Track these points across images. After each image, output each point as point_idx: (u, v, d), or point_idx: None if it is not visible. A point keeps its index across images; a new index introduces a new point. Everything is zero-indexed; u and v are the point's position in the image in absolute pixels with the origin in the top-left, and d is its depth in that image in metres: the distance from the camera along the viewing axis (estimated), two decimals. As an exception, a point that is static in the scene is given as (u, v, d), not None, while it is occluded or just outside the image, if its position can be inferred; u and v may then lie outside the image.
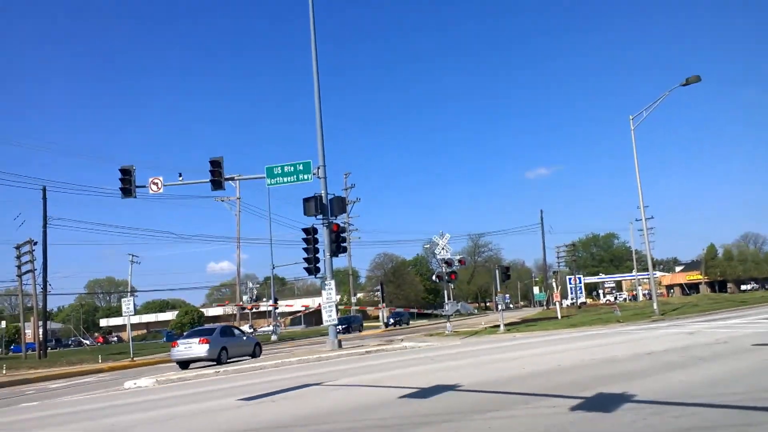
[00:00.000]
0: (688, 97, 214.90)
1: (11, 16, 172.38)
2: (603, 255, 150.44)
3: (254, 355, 26.97)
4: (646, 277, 71.00)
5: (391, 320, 62.03)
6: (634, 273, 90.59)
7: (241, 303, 58.00)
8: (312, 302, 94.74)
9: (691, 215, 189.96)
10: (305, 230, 25.86)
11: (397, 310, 72.34)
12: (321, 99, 26.63)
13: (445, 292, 39.42)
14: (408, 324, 63.14)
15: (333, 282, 25.29)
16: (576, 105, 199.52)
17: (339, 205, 26.49)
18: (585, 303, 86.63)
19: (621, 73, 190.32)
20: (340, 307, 68.91)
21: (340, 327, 34.51)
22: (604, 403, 7.60)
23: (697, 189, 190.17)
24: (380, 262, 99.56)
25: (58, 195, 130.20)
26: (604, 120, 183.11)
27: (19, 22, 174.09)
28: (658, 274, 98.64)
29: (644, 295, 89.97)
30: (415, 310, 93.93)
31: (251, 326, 62.60)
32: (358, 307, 73.35)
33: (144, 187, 27.14)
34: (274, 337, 49.44)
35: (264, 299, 69.98)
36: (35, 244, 43.97)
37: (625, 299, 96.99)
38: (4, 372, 29.36)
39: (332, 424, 7.83)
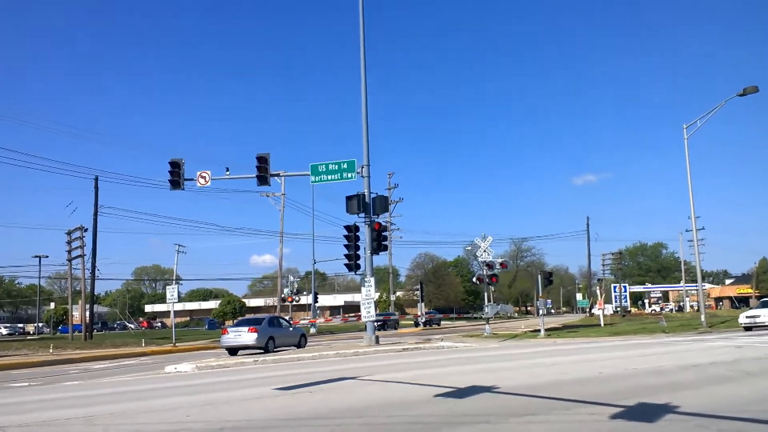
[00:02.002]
0: (745, 107, 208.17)
1: (67, 6, 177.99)
2: (650, 264, 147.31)
3: (299, 345, 27.53)
4: (695, 288, 69.18)
5: (420, 320, 61.85)
6: (681, 284, 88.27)
7: (283, 296, 58.57)
8: (351, 298, 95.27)
9: (744, 228, 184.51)
10: (347, 228, 25.95)
11: (429, 311, 71.97)
12: (368, 100, 26.72)
13: (486, 294, 39.08)
14: (438, 325, 62.56)
15: (373, 279, 25.35)
16: (626, 112, 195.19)
17: (381, 204, 26.53)
18: (629, 312, 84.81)
19: (674, 82, 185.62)
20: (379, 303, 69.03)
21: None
22: (646, 413, 7.37)
23: (750, 201, 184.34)
24: (421, 262, 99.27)
25: (109, 184, 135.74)
26: (655, 128, 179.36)
27: (71, 11, 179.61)
28: (707, 286, 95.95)
29: (691, 306, 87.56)
30: (454, 315, 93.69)
31: (290, 318, 63.36)
32: (395, 305, 73.30)
33: (192, 180, 27.58)
34: (313, 330, 49.84)
35: (304, 292, 70.59)
36: (86, 230, 45.23)
37: (671, 310, 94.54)
38: (51, 351, 30.32)
39: (367, 418, 7.80)
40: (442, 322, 72.67)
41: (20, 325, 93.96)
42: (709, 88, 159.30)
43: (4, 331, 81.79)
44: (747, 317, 29.45)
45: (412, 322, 65.08)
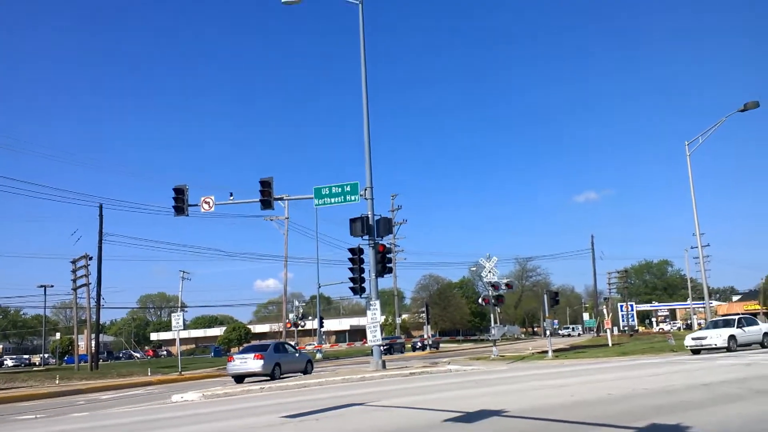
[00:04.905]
0: (747, 122, 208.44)
1: (69, 33, 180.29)
2: (656, 282, 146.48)
3: (306, 371, 27.35)
4: (702, 306, 68.87)
5: (418, 344, 61.32)
6: (688, 301, 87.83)
7: (288, 321, 58.44)
8: (357, 322, 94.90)
9: (750, 243, 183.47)
10: (351, 250, 25.90)
11: (433, 334, 71.66)
12: (369, 122, 26.79)
13: (492, 315, 38.91)
14: (437, 348, 61.51)
15: (378, 302, 25.23)
16: (625, 129, 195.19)
17: (385, 226, 26.54)
18: (637, 331, 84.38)
19: (675, 97, 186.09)
20: (384, 326, 68.73)
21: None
22: (657, 434, 7.30)
23: (756, 216, 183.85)
24: (426, 284, 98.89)
25: (114, 212, 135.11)
26: (656, 144, 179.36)
27: (73, 38, 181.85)
28: (714, 303, 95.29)
29: (699, 324, 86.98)
30: (461, 337, 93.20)
31: (296, 344, 63.12)
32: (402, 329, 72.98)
33: (196, 205, 27.69)
34: (319, 356, 49.61)
35: (309, 317, 70.40)
36: (90, 259, 45.26)
37: (679, 328, 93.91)
38: (57, 382, 30.18)
39: (375, 445, 7.73)
40: (449, 345, 72.44)
41: (26, 356, 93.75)
42: (711, 104, 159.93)
43: (10, 363, 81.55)
44: (693, 339, 27.64)
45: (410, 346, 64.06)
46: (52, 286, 75.55)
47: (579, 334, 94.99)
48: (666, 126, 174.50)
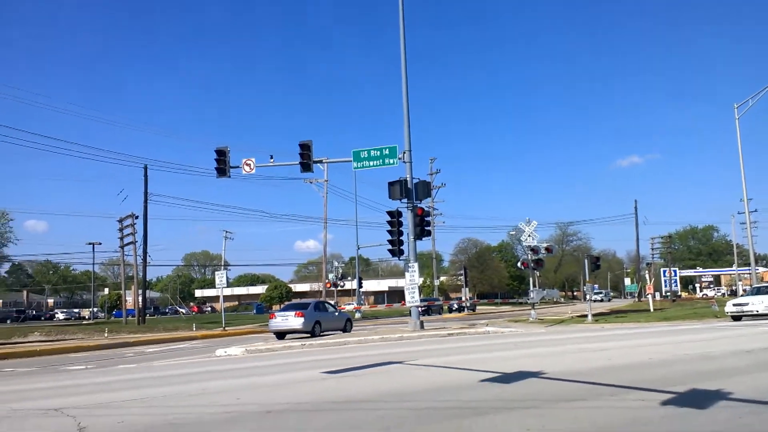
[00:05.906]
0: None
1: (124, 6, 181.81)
2: (701, 248, 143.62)
3: (345, 329, 27.87)
4: (747, 272, 67.32)
5: (455, 306, 61.59)
6: (734, 268, 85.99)
7: (328, 281, 59.19)
8: (395, 283, 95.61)
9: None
10: (390, 213, 25.94)
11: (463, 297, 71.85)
12: (408, 85, 26.50)
13: (531, 279, 38.78)
14: (474, 311, 61.52)
15: (416, 264, 25.33)
16: (672, 92, 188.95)
17: (423, 189, 26.47)
18: (680, 296, 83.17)
19: (723, 61, 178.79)
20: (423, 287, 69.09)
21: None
22: (697, 399, 7.25)
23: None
24: (464, 247, 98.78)
25: (158, 173, 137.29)
26: (704, 108, 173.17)
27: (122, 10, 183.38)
28: (761, 269, 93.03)
29: (744, 290, 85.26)
30: (499, 300, 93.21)
31: (336, 303, 64.02)
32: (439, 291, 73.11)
33: (237, 167, 27.99)
34: (358, 315, 50.31)
35: (349, 278, 71.21)
36: (136, 218, 46.44)
37: (723, 294, 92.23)
38: (106, 335, 31.38)
39: (413, 402, 7.87)
40: (487, 307, 72.57)
41: (76, 310, 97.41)
42: (761, 67, 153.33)
43: (62, 316, 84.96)
44: (734, 305, 26.94)
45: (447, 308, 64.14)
46: (100, 244, 78.18)
47: (610, 299, 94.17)
48: (714, 89, 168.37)
